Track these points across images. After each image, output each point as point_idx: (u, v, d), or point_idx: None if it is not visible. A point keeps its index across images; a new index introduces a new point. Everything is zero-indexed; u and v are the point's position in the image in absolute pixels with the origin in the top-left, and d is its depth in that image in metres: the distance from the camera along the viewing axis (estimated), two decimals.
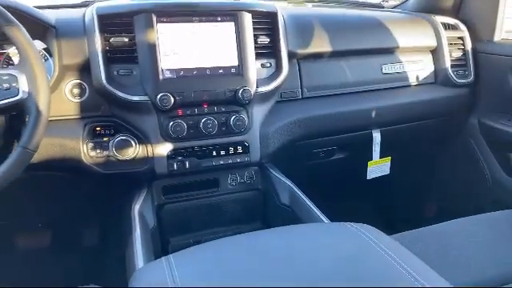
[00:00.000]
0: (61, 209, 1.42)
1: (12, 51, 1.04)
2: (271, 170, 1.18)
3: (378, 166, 1.44)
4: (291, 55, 1.19)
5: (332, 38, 1.26)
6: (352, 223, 0.73)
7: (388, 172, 1.47)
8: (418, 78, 1.41)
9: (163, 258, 0.65)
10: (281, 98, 1.21)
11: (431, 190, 1.71)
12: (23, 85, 0.82)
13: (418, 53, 1.43)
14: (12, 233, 1.45)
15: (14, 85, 0.81)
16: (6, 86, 0.81)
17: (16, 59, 1.03)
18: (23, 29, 0.83)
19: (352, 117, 1.31)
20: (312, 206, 1.03)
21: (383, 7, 1.70)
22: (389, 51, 1.37)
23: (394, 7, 1.67)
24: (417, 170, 1.70)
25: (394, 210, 1.76)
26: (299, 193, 1.10)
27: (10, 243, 1.45)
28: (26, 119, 0.94)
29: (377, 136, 1.38)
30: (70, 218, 1.45)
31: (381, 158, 1.41)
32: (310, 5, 1.63)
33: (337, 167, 1.46)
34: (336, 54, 1.28)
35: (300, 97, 1.24)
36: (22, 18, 0.87)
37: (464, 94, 1.46)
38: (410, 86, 1.41)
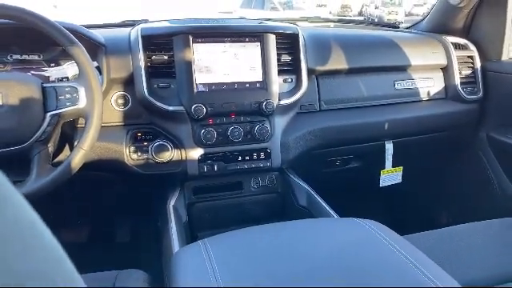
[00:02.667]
0: (98, 207, 1.56)
1: (66, 66, 1.19)
2: (290, 175, 1.29)
3: (391, 175, 1.54)
4: (310, 72, 1.30)
5: (348, 55, 1.37)
6: (360, 219, 0.84)
7: (400, 181, 1.56)
8: (429, 93, 1.51)
9: (199, 241, 0.78)
10: (300, 110, 1.32)
11: (441, 199, 1.77)
12: (82, 95, 0.96)
13: (430, 70, 1.51)
14: (53, 227, 1.59)
15: (74, 95, 0.96)
16: (68, 96, 0.96)
17: (70, 74, 1.18)
18: (83, 48, 0.97)
19: (366, 128, 1.40)
20: (327, 208, 1.13)
21: (398, 27, 1.81)
22: (402, 68, 1.47)
23: (408, 28, 1.78)
24: (427, 180, 1.77)
25: (404, 215, 1.84)
26: (316, 196, 1.20)
27: (54, 235, 1.59)
28: (80, 125, 1.09)
29: (389, 147, 1.47)
30: (109, 215, 1.58)
31: (393, 167, 1.50)
32: (331, 24, 1.75)
33: (351, 175, 1.55)
34: (352, 71, 1.39)
35: (318, 109, 1.35)
36: (78, 38, 0.99)
37: (473, 109, 1.53)
38: (421, 100, 1.49)
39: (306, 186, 1.24)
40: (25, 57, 1.16)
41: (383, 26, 1.89)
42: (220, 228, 1.26)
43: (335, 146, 1.40)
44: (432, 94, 1.51)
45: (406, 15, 14.98)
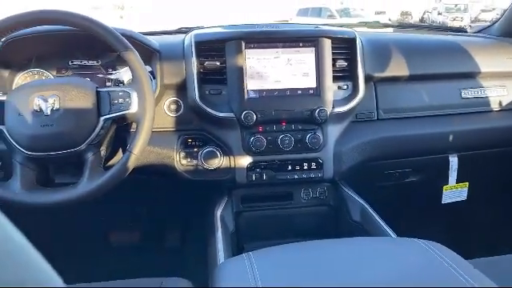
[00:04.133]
0: (150, 211, 1.59)
1: (122, 72, 1.22)
2: (343, 188, 1.23)
3: (455, 191, 1.41)
4: (368, 78, 1.23)
5: (410, 62, 1.28)
6: (421, 240, 0.76)
7: (465, 198, 1.43)
8: (500, 103, 1.38)
9: (244, 254, 0.74)
10: (356, 119, 1.25)
11: (510, 220, 1.62)
12: (134, 100, 0.96)
13: (502, 78, 1.39)
14: (106, 229, 1.65)
15: (127, 100, 0.97)
16: (121, 100, 0.97)
17: (125, 79, 1.21)
18: (137, 54, 0.98)
19: (428, 140, 1.31)
20: (383, 225, 1.06)
21: (466, 31, 1.68)
22: (469, 76, 1.36)
23: (478, 32, 1.65)
24: (496, 199, 1.62)
25: (468, 237, 1.69)
26: (371, 211, 1.13)
27: (104, 239, 1.64)
28: (132, 129, 1.10)
29: (454, 160, 1.36)
30: (157, 220, 1.61)
31: (457, 183, 1.39)
32: (390, 29, 1.66)
33: (410, 189, 1.45)
34: (413, 78, 1.30)
35: (375, 118, 1.27)
36: (133, 44, 1.01)
37: None
38: (491, 111, 1.37)
39: (360, 200, 1.17)
40: (84, 62, 1.20)
41: (450, 30, 1.76)
42: (267, 240, 1.23)
43: (393, 157, 1.31)
44: (505, 103, 1.38)
45: (472, 21, 14.15)
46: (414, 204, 1.57)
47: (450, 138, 1.31)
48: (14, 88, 1.12)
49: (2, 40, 1.06)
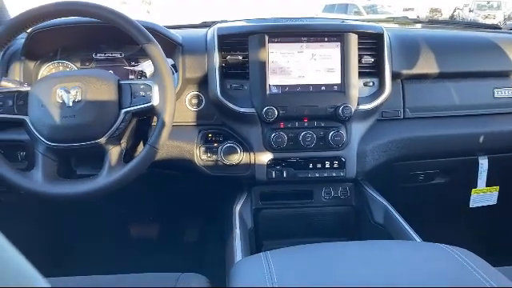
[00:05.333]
0: (169, 205, 1.59)
1: (145, 64, 1.22)
2: (366, 188, 1.19)
3: (484, 195, 1.35)
4: (395, 75, 1.19)
5: (439, 59, 1.23)
6: (447, 245, 0.72)
7: (495, 202, 1.37)
8: None
9: (261, 253, 0.72)
10: (382, 117, 1.21)
11: None
12: (155, 93, 0.95)
13: None
14: (127, 222, 1.66)
15: (148, 93, 0.96)
16: (142, 93, 0.96)
17: (148, 72, 1.21)
18: (159, 47, 0.97)
19: (457, 141, 1.26)
20: (407, 228, 1.02)
21: (500, 28, 1.60)
22: (504, 74, 1.29)
23: None
24: None
25: (498, 243, 1.62)
26: (395, 213, 1.09)
27: (125, 231, 1.66)
28: (153, 123, 1.10)
29: (484, 163, 1.30)
30: (176, 214, 1.61)
31: (487, 186, 1.33)
32: (418, 25, 1.61)
33: (436, 192, 1.40)
34: (443, 76, 1.25)
35: (402, 117, 1.23)
36: (156, 37, 1.00)
37: None
38: None
39: (383, 201, 1.13)
40: (108, 55, 1.21)
41: (483, 27, 1.69)
42: (286, 238, 1.21)
43: (420, 158, 1.27)
44: None
45: (505, 19, 13.64)
46: (440, 207, 1.51)
47: (481, 139, 1.25)
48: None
49: (28, 31, 1.08)
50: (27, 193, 0.93)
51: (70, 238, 1.61)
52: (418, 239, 0.96)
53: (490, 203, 1.37)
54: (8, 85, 0.99)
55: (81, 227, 1.57)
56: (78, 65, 1.19)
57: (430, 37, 1.30)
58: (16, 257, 0.25)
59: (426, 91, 1.25)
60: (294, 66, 1.12)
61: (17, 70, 1.13)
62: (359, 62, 1.14)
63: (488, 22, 12.69)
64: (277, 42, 1.12)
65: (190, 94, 1.16)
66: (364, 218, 1.17)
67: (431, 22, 1.68)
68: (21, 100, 0.94)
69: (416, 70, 1.22)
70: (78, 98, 0.92)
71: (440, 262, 0.69)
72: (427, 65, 1.23)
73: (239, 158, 1.13)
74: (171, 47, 1.14)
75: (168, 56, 1.04)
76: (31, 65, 1.16)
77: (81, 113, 0.92)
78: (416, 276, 0.65)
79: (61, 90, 0.91)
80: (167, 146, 1.12)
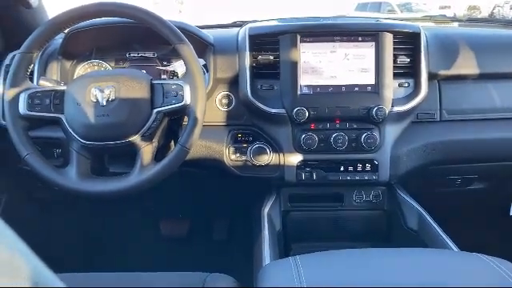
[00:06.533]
0: (199, 204, 1.60)
1: (177, 64, 1.23)
2: (400, 192, 1.16)
3: None
4: (432, 76, 1.15)
5: (479, 59, 1.18)
6: (486, 255, 0.69)
7: None
8: None
9: (290, 257, 0.71)
10: (417, 119, 1.17)
11: None
12: (187, 93, 0.96)
13: None
14: (156, 220, 1.68)
15: (180, 93, 0.96)
16: (173, 93, 0.97)
17: (179, 72, 1.21)
18: (191, 47, 0.98)
19: (498, 145, 1.20)
20: (442, 235, 0.98)
21: None
22: None
23: None
24: None
25: None
26: (429, 219, 1.05)
27: (154, 229, 1.68)
28: (184, 122, 1.10)
29: None
30: (205, 213, 1.62)
31: None
32: (456, 24, 1.54)
33: (473, 198, 1.34)
34: (483, 77, 1.19)
35: (438, 119, 1.18)
36: (188, 37, 1.00)
37: None
38: None
39: (417, 206, 1.09)
40: (141, 54, 1.22)
41: None
42: (315, 241, 1.19)
43: (457, 162, 1.21)
44: None
45: None
46: (478, 214, 1.45)
47: None
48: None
49: (65, 32, 1.11)
50: (61, 189, 0.95)
51: (99, 236, 1.65)
52: (454, 247, 0.92)
53: None
54: (46, 84, 1.01)
55: (110, 225, 1.60)
56: (112, 64, 1.21)
57: (468, 36, 1.24)
58: (29, 255, 0.25)
59: (464, 93, 1.19)
60: (326, 66, 1.10)
61: (54, 69, 1.16)
62: (394, 62, 1.11)
63: None
64: (309, 41, 1.10)
65: (221, 94, 1.16)
66: (396, 223, 1.14)
67: (470, 21, 1.60)
68: (57, 99, 0.96)
69: (454, 71, 1.17)
70: (112, 97, 0.93)
71: (478, 272, 0.65)
72: (466, 65, 1.18)
73: (268, 158, 1.12)
74: (203, 47, 1.15)
75: (199, 56, 1.04)
76: (68, 64, 1.19)
77: (114, 112, 0.93)
78: (452, 287, 0.62)
79: (95, 89, 0.93)
80: (197, 146, 1.12)
